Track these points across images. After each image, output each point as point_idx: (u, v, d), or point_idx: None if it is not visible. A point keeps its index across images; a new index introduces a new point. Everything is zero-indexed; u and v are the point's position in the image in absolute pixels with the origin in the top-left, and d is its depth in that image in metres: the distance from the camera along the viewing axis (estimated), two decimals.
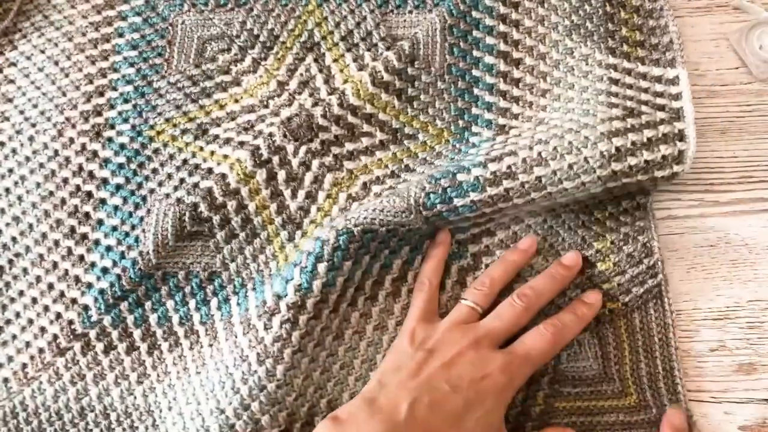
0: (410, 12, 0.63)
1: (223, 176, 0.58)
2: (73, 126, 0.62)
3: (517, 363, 0.49)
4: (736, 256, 0.58)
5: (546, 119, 0.58)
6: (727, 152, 0.60)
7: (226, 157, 0.59)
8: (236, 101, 0.61)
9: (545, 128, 0.56)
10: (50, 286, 0.58)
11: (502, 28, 0.62)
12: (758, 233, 0.58)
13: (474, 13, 0.62)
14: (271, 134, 0.59)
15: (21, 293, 0.58)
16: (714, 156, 0.60)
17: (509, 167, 0.53)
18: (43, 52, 0.64)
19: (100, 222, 0.59)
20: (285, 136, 0.59)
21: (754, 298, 0.56)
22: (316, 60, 0.62)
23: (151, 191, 0.59)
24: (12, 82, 0.63)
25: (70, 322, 0.57)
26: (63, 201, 0.60)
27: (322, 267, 0.52)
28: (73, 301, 0.57)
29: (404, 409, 0.46)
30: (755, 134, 0.60)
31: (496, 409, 0.48)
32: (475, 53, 0.61)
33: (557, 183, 0.53)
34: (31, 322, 0.58)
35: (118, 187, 0.60)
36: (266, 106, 0.61)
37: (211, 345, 0.56)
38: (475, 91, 0.60)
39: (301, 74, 0.62)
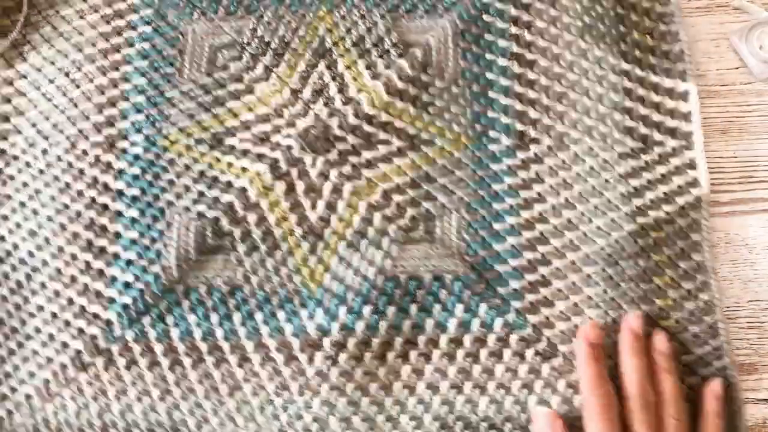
0: (421, 17, 0.62)
1: (243, 190, 0.58)
2: (86, 137, 0.61)
3: None
4: (736, 256, 0.58)
5: (565, 139, 0.59)
6: (727, 152, 0.60)
7: (245, 170, 0.58)
8: (250, 110, 0.60)
9: (567, 156, 0.58)
10: (70, 301, 0.57)
11: (514, 30, 0.61)
12: (758, 233, 0.58)
13: (485, 17, 0.62)
14: (289, 147, 0.59)
15: (40, 308, 0.58)
16: (714, 156, 0.60)
17: (540, 213, 0.57)
18: (53, 63, 0.62)
19: (118, 235, 0.58)
20: (303, 148, 0.59)
21: (754, 298, 0.57)
22: (328, 67, 0.61)
23: (169, 203, 0.58)
24: (23, 94, 0.62)
25: (93, 337, 0.56)
26: (78, 213, 0.59)
27: (367, 310, 0.55)
28: (96, 315, 0.57)
29: None
30: (755, 134, 0.60)
31: None
32: (488, 56, 0.61)
33: (588, 222, 0.56)
34: (51, 337, 0.57)
35: (135, 198, 0.59)
36: (281, 116, 0.60)
37: (241, 366, 0.55)
38: (490, 94, 0.60)
39: (314, 82, 0.61)
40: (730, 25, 0.63)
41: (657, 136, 0.59)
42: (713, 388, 0.51)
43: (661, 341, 0.52)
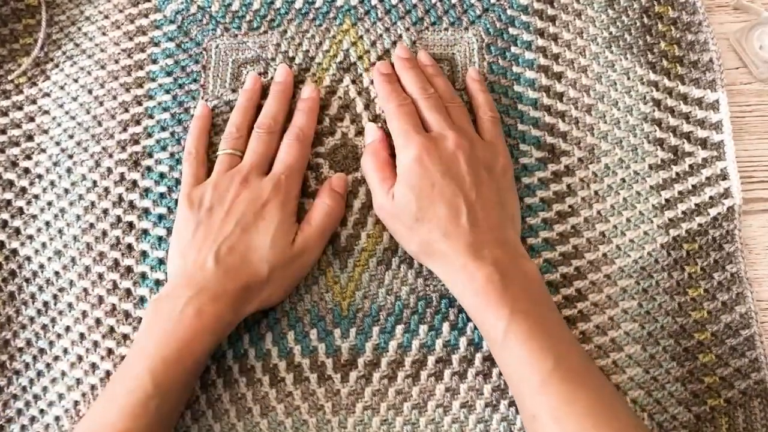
0: (446, 29, 0.60)
1: None
2: (111, 156, 0.58)
3: (284, 178, 0.52)
4: None
5: (596, 150, 0.57)
6: None
7: None
8: None
9: (597, 168, 0.57)
10: (98, 321, 0.55)
11: (540, 42, 0.59)
12: (758, 233, 0.56)
13: (511, 30, 0.60)
14: (318, 165, 0.56)
15: (68, 329, 0.55)
16: None
17: (573, 227, 0.55)
18: (76, 81, 0.60)
19: (145, 254, 0.56)
20: (331, 167, 0.57)
21: (755, 298, 0.54)
22: (353, 81, 0.59)
23: None
24: (47, 113, 0.60)
25: (123, 358, 0.53)
26: (104, 233, 0.57)
27: (399, 329, 0.53)
28: (125, 336, 0.54)
29: (210, 263, 0.49)
30: (755, 134, 0.58)
31: (284, 219, 0.51)
32: (515, 69, 0.59)
33: (620, 235, 0.55)
34: (80, 358, 0.55)
35: (161, 217, 0.57)
36: None
37: (273, 386, 0.53)
38: (519, 107, 0.58)
39: (340, 97, 0.58)
40: (730, 25, 0.61)
41: (687, 146, 0.57)
42: (470, 75, 0.58)
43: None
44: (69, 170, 0.59)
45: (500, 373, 0.52)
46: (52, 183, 0.59)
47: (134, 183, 0.58)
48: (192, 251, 0.50)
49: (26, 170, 0.59)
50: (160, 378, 0.46)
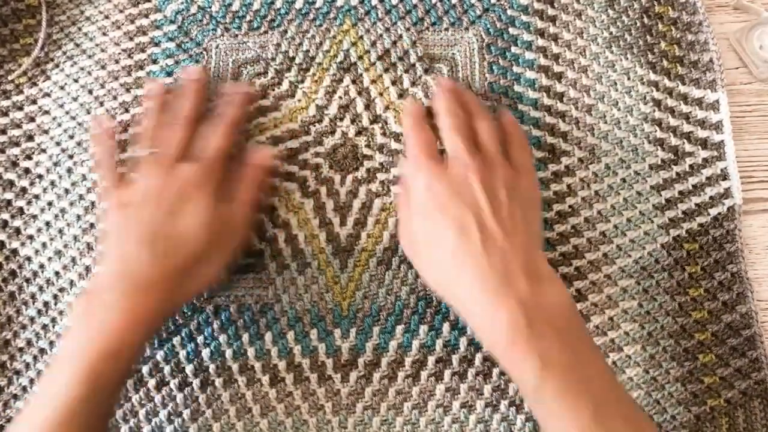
0: (446, 29, 0.60)
1: (273, 208, 0.55)
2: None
3: (205, 159, 0.51)
4: None
5: (596, 150, 0.57)
6: None
7: (273, 188, 0.56)
8: (276, 126, 0.58)
9: (598, 168, 0.56)
10: None
11: (540, 42, 0.59)
12: (758, 233, 0.56)
13: (511, 30, 0.59)
14: (317, 165, 0.56)
15: (68, 329, 0.55)
16: None
17: (573, 227, 0.55)
18: (76, 81, 0.60)
19: None
20: (331, 167, 0.56)
21: (755, 298, 0.54)
22: (354, 81, 0.58)
23: None
24: (47, 113, 0.59)
25: None
26: None
27: (399, 329, 0.53)
28: None
29: (140, 254, 0.47)
30: (755, 134, 0.58)
31: (209, 197, 0.50)
32: (516, 69, 0.58)
33: (621, 235, 0.55)
34: None
35: None
36: (308, 133, 0.57)
37: (273, 385, 0.52)
38: (519, 107, 0.58)
39: (340, 97, 0.58)
40: (730, 25, 0.61)
41: (688, 146, 0.56)
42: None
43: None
44: (69, 170, 0.58)
45: (500, 373, 0.52)
46: (52, 183, 0.58)
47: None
48: (123, 248, 0.49)
49: (26, 170, 0.59)
50: (95, 373, 0.44)
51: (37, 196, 0.58)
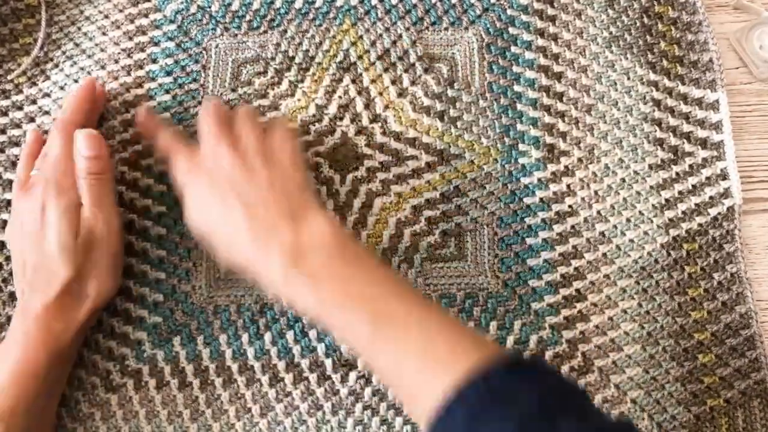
0: (446, 29, 0.60)
1: None
2: (111, 155, 0.57)
3: (50, 174, 0.51)
4: None
5: (595, 150, 0.57)
6: None
7: None
8: None
9: (597, 168, 0.56)
10: (99, 322, 0.54)
11: (540, 42, 0.59)
12: (758, 233, 0.56)
13: (511, 30, 0.59)
14: (317, 165, 0.56)
15: None
16: None
17: (573, 227, 0.55)
18: (76, 81, 0.60)
19: (145, 252, 0.55)
20: (331, 167, 0.56)
21: (755, 298, 0.54)
22: (353, 81, 0.58)
23: None
24: (47, 113, 0.59)
25: (124, 358, 0.53)
26: None
27: None
28: (125, 335, 0.54)
29: (24, 289, 0.50)
30: (755, 134, 0.58)
31: (63, 214, 0.49)
32: (515, 69, 0.58)
33: (620, 235, 0.54)
34: (81, 357, 0.54)
35: (160, 215, 0.56)
36: (308, 132, 0.57)
37: (273, 386, 0.52)
38: (518, 106, 0.57)
39: (340, 97, 0.58)
40: (730, 25, 0.61)
41: (687, 146, 0.56)
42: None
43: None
44: None
45: None
46: None
47: (135, 181, 0.57)
48: (17, 281, 0.51)
49: None
50: (1, 403, 0.46)
51: None
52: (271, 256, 0.45)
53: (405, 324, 0.42)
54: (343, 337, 0.45)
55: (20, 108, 0.60)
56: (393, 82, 0.58)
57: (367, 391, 0.52)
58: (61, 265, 0.49)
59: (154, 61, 0.60)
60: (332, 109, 0.58)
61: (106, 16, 0.62)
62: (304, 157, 0.55)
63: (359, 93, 0.58)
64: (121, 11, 0.62)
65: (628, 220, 0.55)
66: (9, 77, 0.60)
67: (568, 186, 0.56)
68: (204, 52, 0.60)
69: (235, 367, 0.53)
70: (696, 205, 0.55)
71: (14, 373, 0.47)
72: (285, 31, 0.60)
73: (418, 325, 0.42)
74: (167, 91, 0.59)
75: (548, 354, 0.53)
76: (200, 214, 0.48)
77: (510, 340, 0.53)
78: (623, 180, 0.56)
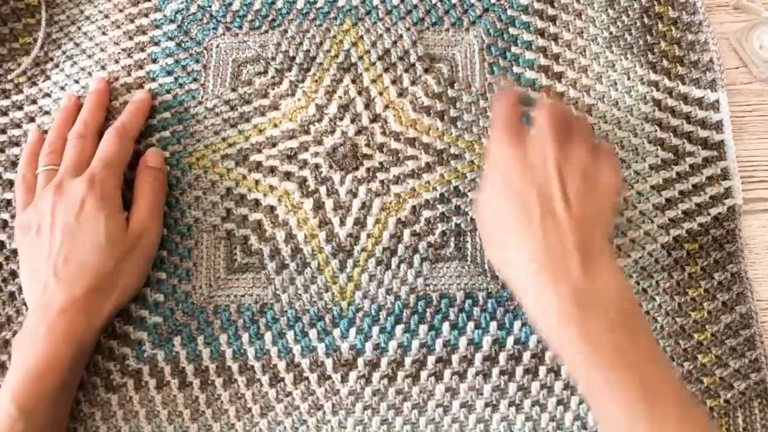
0: (447, 30, 0.60)
1: (272, 208, 0.56)
2: None
3: (98, 172, 0.52)
4: None
5: None
6: None
7: (272, 188, 0.56)
8: (275, 126, 0.58)
9: None
10: None
11: (540, 42, 0.59)
12: (758, 233, 0.56)
13: (511, 30, 0.59)
14: (317, 165, 0.56)
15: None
16: None
17: None
18: (77, 81, 0.60)
19: None
20: (331, 166, 0.56)
21: (755, 298, 0.54)
22: (353, 81, 0.58)
23: (196, 220, 0.55)
24: (47, 113, 0.59)
25: (124, 357, 0.53)
26: None
27: (399, 329, 0.53)
28: (125, 335, 0.53)
29: (51, 281, 0.49)
30: (755, 134, 0.58)
31: (107, 211, 0.51)
32: (516, 69, 0.58)
33: (621, 235, 0.54)
34: None
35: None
36: (307, 132, 0.57)
37: (273, 386, 0.52)
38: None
39: (340, 97, 0.58)
40: (730, 25, 0.61)
41: (688, 146, 0.56)
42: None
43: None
44: None
45: (500, 373, 0.52)
46: None
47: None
48: (34, 276, 0.50)
49: None
50: (23, 400, 0.46)
51: None
52: (550, 287, 0.42)
53: (673, 409, 0.39)
54: (591, 405, 0.43)
55: (20, 108, 0.60)
56: (393, 82, 0.58)
57: (367, 391, 0.52)
58: (102, 257, 0.49)
59: (155, 60, 0.60)
60: (332, 109, 0.58)
61: (107, 16, 0.62)
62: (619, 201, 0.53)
63: (359, 93, 0.58)
64: (121, 11, 0.62)
65: (629, 220, 0.55)
66: (9, 77, 0.60)
67: None
68: (204, 51, 0.60)
69: (235, 367, 0.53)
70: (696, 205, 0.55)
71: (36, 370, 0.47)
72: (286, 30, 0.60)
73: None
74: (167, 91, 0.59)
75: (548, 355, 0.53)
76: (497, 202, 0.46)
77: (510, 341, 0.53)
78: (624, 180, 0.55)
